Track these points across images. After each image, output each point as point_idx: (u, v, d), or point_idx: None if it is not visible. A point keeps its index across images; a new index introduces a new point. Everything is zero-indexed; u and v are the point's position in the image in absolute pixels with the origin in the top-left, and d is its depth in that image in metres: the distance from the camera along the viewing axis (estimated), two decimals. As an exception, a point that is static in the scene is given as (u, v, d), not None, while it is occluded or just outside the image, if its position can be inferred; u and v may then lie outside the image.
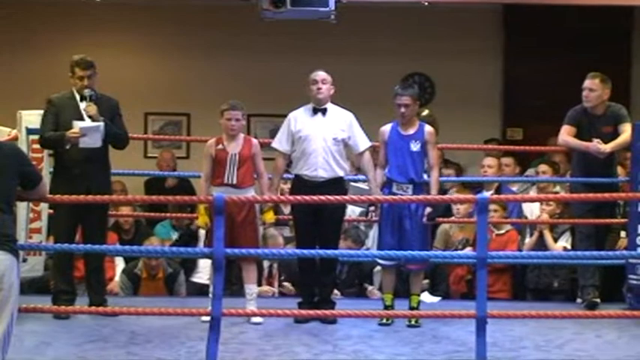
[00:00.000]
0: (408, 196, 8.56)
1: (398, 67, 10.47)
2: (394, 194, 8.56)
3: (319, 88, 8.65)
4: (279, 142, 8.82)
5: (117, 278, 10.53)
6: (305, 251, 8.45)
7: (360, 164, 8.94)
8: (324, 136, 8.66)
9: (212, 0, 11.23)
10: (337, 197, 7.95)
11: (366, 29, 12.00)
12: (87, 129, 8.39)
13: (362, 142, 8.79)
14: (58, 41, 11.36)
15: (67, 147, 8.33)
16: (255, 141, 8.89)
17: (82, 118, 8.49)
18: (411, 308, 8.54)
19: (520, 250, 10.16)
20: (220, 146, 8.70)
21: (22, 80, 10.46)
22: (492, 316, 7.38)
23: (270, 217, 8.84)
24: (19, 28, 12.65)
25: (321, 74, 8.68)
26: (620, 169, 9.59)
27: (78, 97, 8.57)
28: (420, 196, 8.47)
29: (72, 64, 8.63)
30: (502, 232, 9.97)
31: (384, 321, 8.46)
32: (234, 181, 8.57)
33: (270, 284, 10.13)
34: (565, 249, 9.75)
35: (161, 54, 13.50)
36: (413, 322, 8.45)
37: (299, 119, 8.72)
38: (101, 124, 8.43)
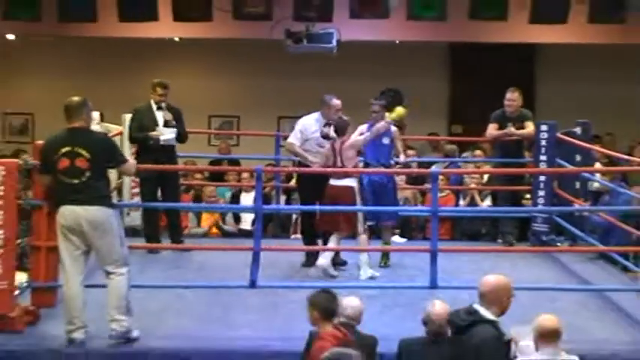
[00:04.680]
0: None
1: (378, 84, 10.46)
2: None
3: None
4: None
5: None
6: (308, 207, 8.35)
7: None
8: None
9: (252, 40, 11.19)
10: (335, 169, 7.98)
11: (357, 58, 11.97)
12: (168, 139, 8.65)
13: None
14: (149, 68, 11.35)
15: (151, 142, 8.65)
16: None
17: (157, 122, 8.73)
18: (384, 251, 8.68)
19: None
20: None
21: (125, 94, 10.49)
22: (441, 250, 7.58)
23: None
24: (125, 59, 12.73)
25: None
26: (526, 153, 9.93)
27: (154, 107, 8.85)
28: (388, 169, 8.45)
29: (153, 84, 8.95)
30: (444, 194, 10.07)
31: (383, 264, 8.45)
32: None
33: (295, 230, 10.21)
34: (489, 206, 9.82)
35: (219, 76, 13.95)
36: (383, 264, 8.44)
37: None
38: (175, 130, 8.76)
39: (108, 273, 6.35)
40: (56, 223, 6.45)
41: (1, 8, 8.21)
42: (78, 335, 6.33)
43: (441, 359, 5.70)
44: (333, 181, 7.98)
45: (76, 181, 6.23)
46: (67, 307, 6.43)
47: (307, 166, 8.35)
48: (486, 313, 5.08)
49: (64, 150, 6.25)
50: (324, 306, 5.40)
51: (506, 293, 5.20)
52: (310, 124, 8.33)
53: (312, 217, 8.40)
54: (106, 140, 6.89)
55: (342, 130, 8.06)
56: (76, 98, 6.49)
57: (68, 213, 6.27)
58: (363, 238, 8.11)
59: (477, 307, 5.15)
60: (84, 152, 6.23)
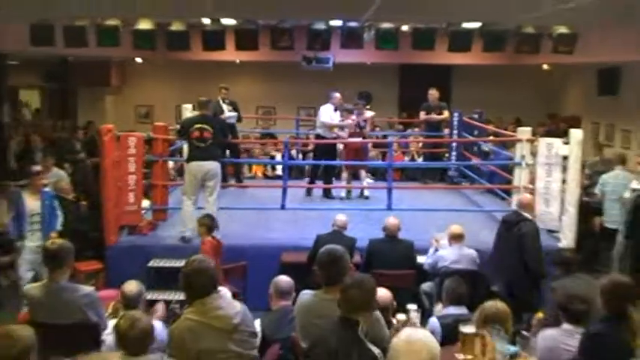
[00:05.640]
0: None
1: (357, 88, 10.52)
2: None
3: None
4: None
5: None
6: (319, 162, 8.40)
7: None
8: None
9: (282, 61, 11.16)
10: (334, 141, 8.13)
11: (344, 73, 11.93)
12: (231, 116, 8.64)
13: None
14: (220, 79, 11.29)
15: None
16: None
17: (223, 110, 8.57)
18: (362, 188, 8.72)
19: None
20: None
21: (205, 94, 10.51)
22: (394, 187, 7.53)
23: None
24: (206, 73, 12.71)
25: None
26: (445, 130, 9.79)
27: (221, 101, 8.74)
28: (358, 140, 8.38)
29: (220, 87, 8.87)
30: (396, 153, 10.12)
31: (347, 194, 8.53)
32: None
33: (306, 175, 10.03)
34: (423, 161, 9.98)
35: (263, 83, 14.02)
36: (361, 195, 8.50)
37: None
38: (236, 114, 8.69)
39: (208, 201, 6.42)
40: (186, 171, 6.50)
41: (133, 42, 8.34)
42: (188, 234, 6.42)
43: (394, 252, 5.90)
44: (350, 140, 8.03)
45: (202, 145, 6.34)
46: (182, 217, 6.54)
47: (323, 137, 8.33)
48: (527, 215, 5.17)
49: (197, 126, 6.36)
50: (207, 224, 5.39)
51: (533, 203, 5.40)
52: (330, 110, 8.29)
53: (317, 168, 8.56)
54: (221, 121, 7.20)
55: (347, 111, 8.14)
56: (204, 98, 6.66)
57: (195, 165, 6.34)
58: (364, 173, 8.38)
59: (520, 211, 5.19)
60: (208, 128, 6.37)
